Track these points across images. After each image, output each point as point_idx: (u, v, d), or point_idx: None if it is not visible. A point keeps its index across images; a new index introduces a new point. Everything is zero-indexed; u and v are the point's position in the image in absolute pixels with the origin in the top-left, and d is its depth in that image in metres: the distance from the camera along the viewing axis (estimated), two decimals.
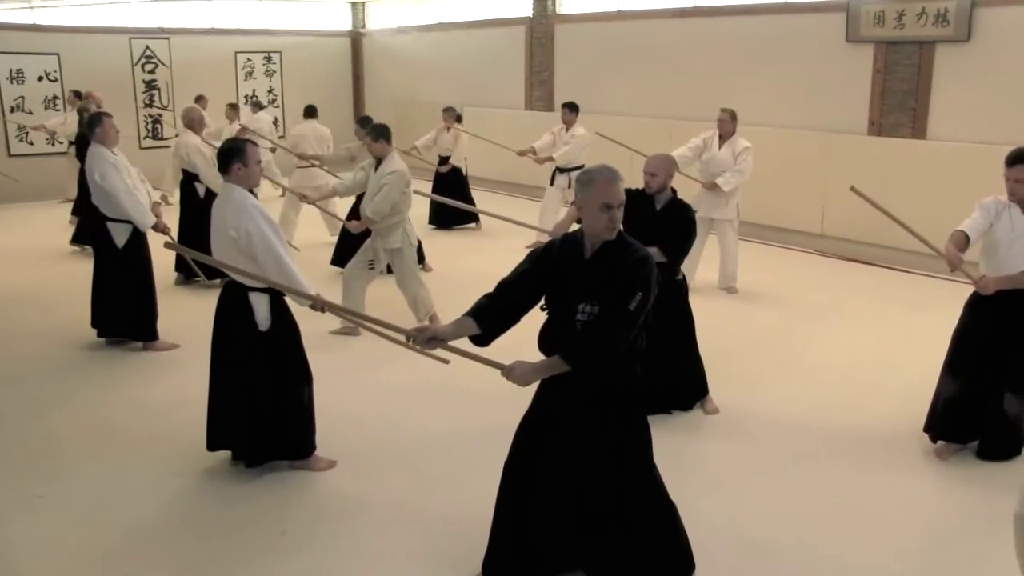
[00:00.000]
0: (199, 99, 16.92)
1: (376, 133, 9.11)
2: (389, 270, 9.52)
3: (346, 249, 11.37)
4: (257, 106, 18.06)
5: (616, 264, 4.35)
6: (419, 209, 9.59)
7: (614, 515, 4.56)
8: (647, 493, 4.67)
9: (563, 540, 4.67)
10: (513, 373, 4.41)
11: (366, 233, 9.27)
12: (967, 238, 6.22)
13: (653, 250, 6.59)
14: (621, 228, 4.44)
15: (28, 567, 5.22)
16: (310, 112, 14.31)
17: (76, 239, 13.39)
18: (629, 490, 4.58)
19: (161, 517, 5.79)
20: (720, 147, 10.72)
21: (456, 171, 15.01)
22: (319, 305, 5.90)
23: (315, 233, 12.72)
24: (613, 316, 4.28)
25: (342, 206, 12.63)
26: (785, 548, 5.38)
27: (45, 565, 5.25)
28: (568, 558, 4.73)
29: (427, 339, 4.46)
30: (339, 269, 11.58)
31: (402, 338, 4.62)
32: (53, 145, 16.10)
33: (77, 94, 16.39)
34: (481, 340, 4.56)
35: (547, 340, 4.56)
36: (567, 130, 13.25)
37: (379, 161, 9.12)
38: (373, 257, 9.22)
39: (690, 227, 7.09)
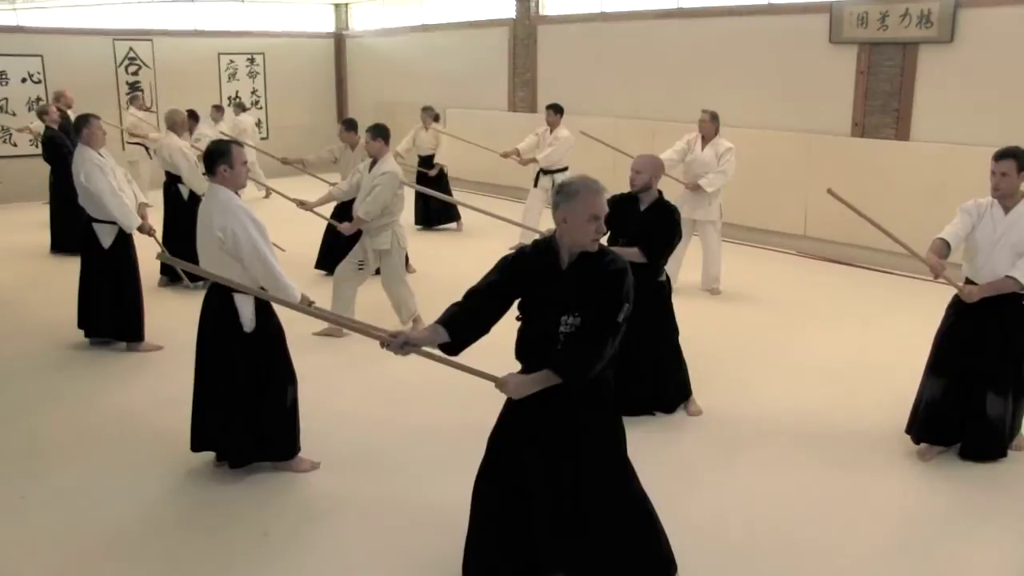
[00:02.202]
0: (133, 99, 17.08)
1: (375, 132, 9.11)
2: (378, 272, 9.51)
3: (330, 252, 11.41)
4: (240, 108, 18.06)
5: (595, 274, 4.36)
6: (405, 210, 9.58)
7: (591, 517, 4.57)
8: (623, 494, 4.67)
9: (541, 543, 4.68)
10: (507, 387, 4.41)
11: (355, 235, 9.26)
12: (947, 245, 6.25)
13: (633, 251, 6.62)
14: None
15: (10, 568, 5.20)
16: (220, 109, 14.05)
17: (55, 247, 13.41)
18: (605, 492, 4.59)
19: (144, 518, 5.78)
20: (703, 148, 10.74)
21: (440, 170, 15.07)
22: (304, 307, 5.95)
23: (302, 234, 12.70)
24: (601, 328, 4.30)
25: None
26: (767, 548, 5.40)
27: (28, 566, 5.24)
28: (547, 561, 4.73)
29: (401, 344, 4.41)
30: (322, 272, 11.64)
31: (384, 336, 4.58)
32: (37, 147, 16.02)
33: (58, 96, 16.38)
34: (451, 348, 4.52)
35: (527, 349, 4.56)
36: (551, 132, 13.23)
37: (373, 162, 9.13)
38: (363, 258, 9.21)
39: (674, 228, 7.12)
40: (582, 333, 4.33)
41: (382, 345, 4.50)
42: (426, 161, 15.04)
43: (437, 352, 4.52)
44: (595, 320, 4.31)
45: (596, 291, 4.33)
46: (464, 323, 4.49)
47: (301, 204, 9.74)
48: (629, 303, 4.36)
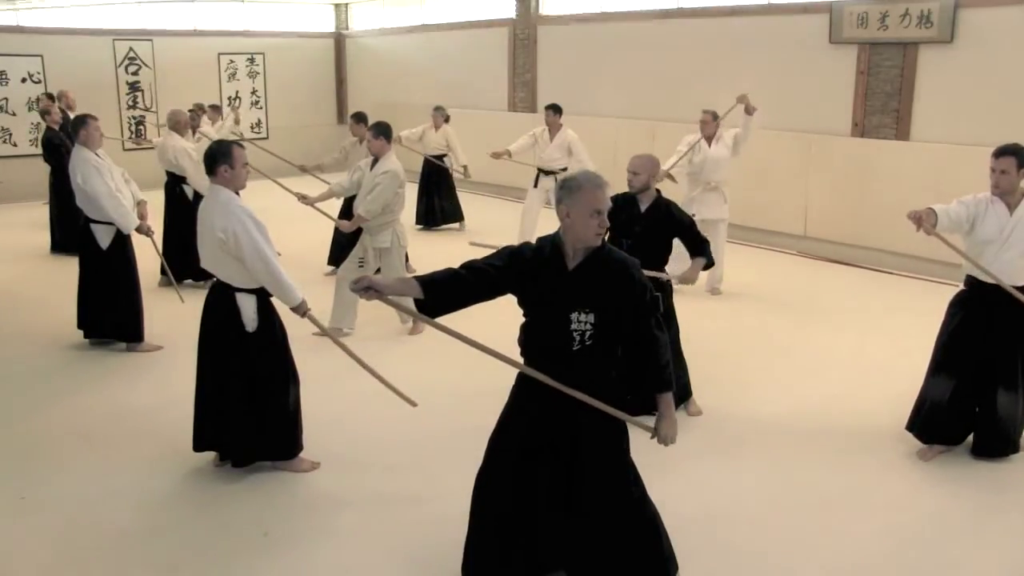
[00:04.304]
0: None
1: (377, 130, 9.12)
2: (379, 271, 9.52)
3: (341, 248, 11.52)
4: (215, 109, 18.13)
5: (605, 271, 4.38)
6: (406, 210, 9.58)
7: (593, 517, 4.58)
8: (625, 495, 4.67)
9: (542, 543, 4.69)
10: (667, 437, 4.69)
11: (359, 232, 9.28)
12: (935, 215, 6.18)
13: (697, 264, 6.80)
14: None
15: (10, 568, 5.20)
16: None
17: (55, 247, 13.42)
18: (607, 492, 4.59)
19: (145, 518, 5.78)
20: (710, 147, 10.68)
21: (446, 170, 15.21)
22: (302, 311, 5.98)
23: (306, 235, 12.71)
24: (646, 321, 4.45)
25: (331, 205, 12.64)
26: (768, 549, 5.41)
27: (27, 566, 5.24)
28: (548, 561, 4.75)
29: (364, 288, 4.32)
30: (332, 268, 11.71)
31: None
32: (37, 147, 16.02)
33: (50, 96, 16.37)
34: (425, 309, 4.44)
35: (535, 346, 4.56)
36: (550, 132, 13.14)
37: (375, 160, 9.13)
38: (363, 256, 9.22)
39: (689, 220, 7.25)
40: (648, 345, 4.49)
41: (350, 288, 4.47)
42: (434, 161, 15.12)
43: (565, 388, 4.46)
44: (646, 325, 4.45)
45: (611, 290, 4.36)
46: (446, 290, 4.44)
47: (303, 198, 9.77)
48: (648, 284, 4.45)
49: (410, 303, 4.56)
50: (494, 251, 4.60)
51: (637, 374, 4.56)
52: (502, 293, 4.55)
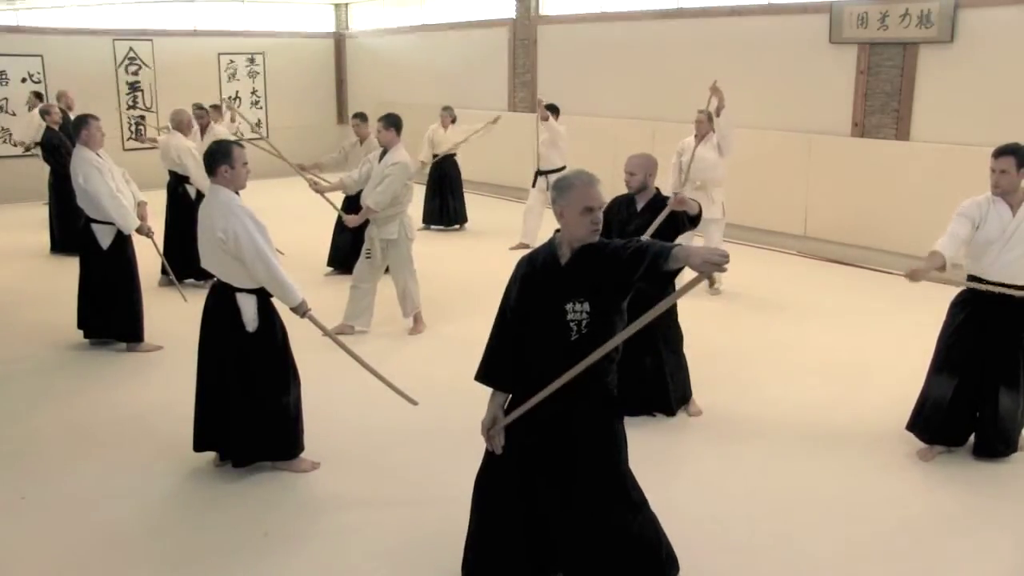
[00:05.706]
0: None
1: (387, 122, 9.13)
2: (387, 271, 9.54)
3: (339, 250, 11.55)
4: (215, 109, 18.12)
5: (596, 259, 4.37)
6: (413, 210, 9.57)
7: (591, 520, 4.56)
8: (624, 498, 4.65)
9: (541, 544, 4.69)
10: (710, 257, 3.77)
11: (360, 232, 9.30)
12: (943, 256, 6.10)
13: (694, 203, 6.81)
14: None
15: (10, 569, 5.20)
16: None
17: (55, 247, 13.41)
18: (605, 494, 4.58)
19: (144, 518, 5.78)
20: (696, 145, 10.65)
21: (457, 170, 15.35)
22: (302, 311, 5.97)
23: (310, 234, 12.70)
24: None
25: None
26: (768, 548, 5.40)
27: (28, 567, 5.24)
28: (546, 562, 4.75)
29: (497, 432, 4.63)
30: (330, 269, 11.73)
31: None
32: (34, 148, 16.03)
33: (38, 95, 16.34)
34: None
35: (535, 338, 4.55)
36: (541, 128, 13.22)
37: (384, 152, 9.15)
38: (370, 247, 9.21)
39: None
40: (631, 259, 4.20)
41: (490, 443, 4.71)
42: (444, 160, 15.21)
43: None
44: (623, 255, 4.24)
45: (601, 273, 4.34)
46: (512, 371, 4.64)
47: (315, 184, 9.81)
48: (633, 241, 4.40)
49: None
50: (506, 289, 4.67)
51: (652, 277, 4.22)
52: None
